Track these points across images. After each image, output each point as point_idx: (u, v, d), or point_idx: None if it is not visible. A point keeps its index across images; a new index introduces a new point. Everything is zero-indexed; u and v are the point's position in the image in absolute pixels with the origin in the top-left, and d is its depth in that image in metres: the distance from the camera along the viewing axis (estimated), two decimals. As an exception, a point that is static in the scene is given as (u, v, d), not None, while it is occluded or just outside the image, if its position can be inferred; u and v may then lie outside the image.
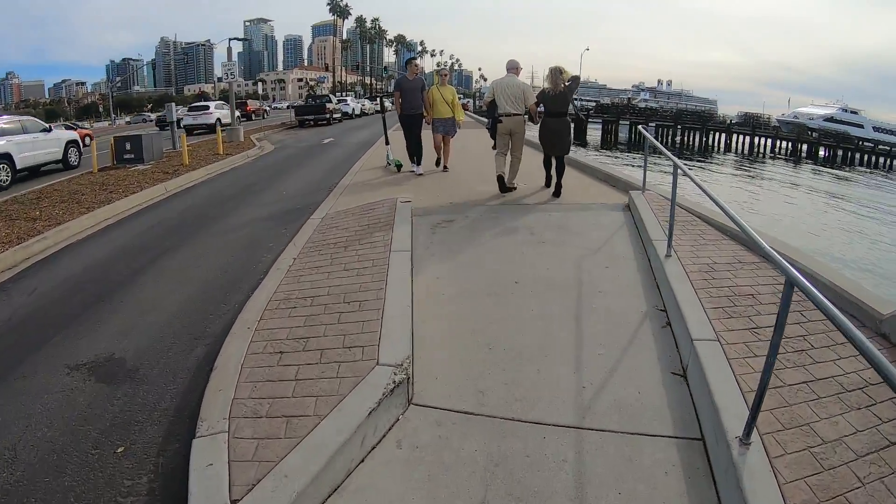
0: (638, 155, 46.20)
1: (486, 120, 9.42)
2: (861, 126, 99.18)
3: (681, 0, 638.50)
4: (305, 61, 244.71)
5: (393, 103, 11.93)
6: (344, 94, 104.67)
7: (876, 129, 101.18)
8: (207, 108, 35.28)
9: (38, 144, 15.96)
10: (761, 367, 3.27)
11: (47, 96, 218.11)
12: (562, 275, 5.85)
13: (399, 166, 11.81)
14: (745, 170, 46.08)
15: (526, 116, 9.15)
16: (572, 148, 9.86)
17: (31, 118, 17.76)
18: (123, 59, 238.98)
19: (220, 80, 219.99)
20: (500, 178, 9.14)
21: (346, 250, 6.45)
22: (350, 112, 45.46)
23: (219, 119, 31.05)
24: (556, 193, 9.02)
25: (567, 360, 4.40)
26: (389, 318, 4.64)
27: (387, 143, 13.10)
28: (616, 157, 43.92)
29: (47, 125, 17.18)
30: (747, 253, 6.15)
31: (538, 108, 9.06)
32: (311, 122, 35.46)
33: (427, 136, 11.51)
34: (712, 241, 6.49)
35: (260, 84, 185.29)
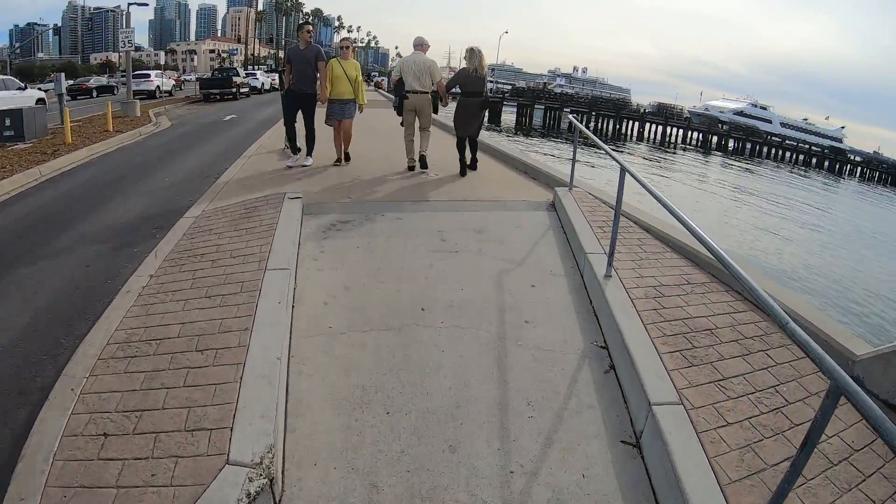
0: (555, 141, 46.21)
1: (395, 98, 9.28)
2: (769, 121, 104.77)
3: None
4: (219, 32, 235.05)
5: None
6: (255, 67, 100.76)
7: (783, 125, 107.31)
8: (148, 75, 38.52)
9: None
10: (738, 443, 2.90)
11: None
12: (479, 296, 4.86)
13: (298, 150, 10.34)
14: (657, 159, 46.62)
15: (432, 96, 9.12)
16: (488, 132, 9.23)
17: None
18: (28, 24, 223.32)
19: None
20: (409, 161, 9.42)
21: (214, 266, 5.07)
22: (259, 87, 43.54)
23: (158, 87, 36.89)
24: (473, 167, 9.51)
25: (489, 430, 3.43)
26: (252, 377, 3.41)
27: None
28: (532, 142, 43.35)
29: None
30: (695, 270, 5.41)
31: (454, 89, 9.07)
32: (217, 97, 33.75)
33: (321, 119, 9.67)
34: (654, 255, 5.68)
35: (169, 55, 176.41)
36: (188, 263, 5.23)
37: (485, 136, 10.49)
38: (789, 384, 3.81)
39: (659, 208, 4.19)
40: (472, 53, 8.63)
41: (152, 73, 39.87)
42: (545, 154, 32.46)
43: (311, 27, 9.15)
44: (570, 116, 9.21)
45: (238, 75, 37.32)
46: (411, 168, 9.35)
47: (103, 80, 48.30)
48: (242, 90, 36.32)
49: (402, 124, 9.34)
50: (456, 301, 4.74)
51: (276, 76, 57.65)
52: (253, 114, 23.58)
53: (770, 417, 3.42)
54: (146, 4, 26.55)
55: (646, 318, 4.25)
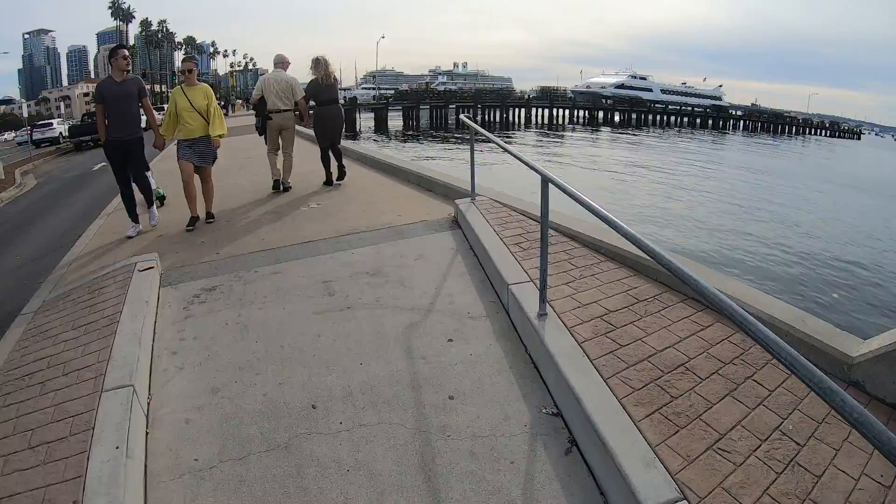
0: (448, 143, 45.44)
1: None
2: (650, 90, 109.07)
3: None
4: (92, 73, 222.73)
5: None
6: None
7: (664, 91, 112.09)
8: (51, 123, 42.11)
9: None
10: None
11: None
12: (385, 372, 3.73)
13: (162, 199, 8.88)
14: (549, 143, 46.83)
15: (296, 113, 9.02)
16: (375, 142, 8.28)
17: None
18: None
19: (1, 102, 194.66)
20: (276, 183, 9.15)
21: (42, 393, 3.51)
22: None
23: (61, 133, 39.23)
24: (341, 177, 9.36)
25: None
26: None
27: (147, 168, 10.17)
28: (422, 148, 42.53)
29: None
30: (640, 280, 4.60)
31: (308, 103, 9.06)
32: (90, 144, 31.53)
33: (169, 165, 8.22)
34: (588, 268, 4.79)
35: (42, 104, 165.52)
36: (13, 392, 3.66)
37: (372, 148, 9.43)
38: (793, 417, 3.06)
39: (579, 208, 3.25)
40: (318, 62, 8.73)
41: (54, 121, 43.82)
42: (439, 158, 31.65)
43: (126, 51, 6.78)
44: (464, 117, 8.20)
45: None
46: (276, 183, 9.13)
47: None
48: None
49: (265, 141, 9.11)
50: (356, 385, 3.60)
51: (155, 113, 54.74)
52: None
53: (790, 479, 2.61)
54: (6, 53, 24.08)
55: (604, 369, 3.29)
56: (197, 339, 4.23)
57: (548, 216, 3.71)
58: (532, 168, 3.98)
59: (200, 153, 7.13)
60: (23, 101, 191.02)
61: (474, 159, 6.79)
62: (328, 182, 9.27)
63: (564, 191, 3.36)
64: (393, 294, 4.78)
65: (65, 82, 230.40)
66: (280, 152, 9.08)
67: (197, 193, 7.21)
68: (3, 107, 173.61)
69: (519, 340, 4.03)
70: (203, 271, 5.46)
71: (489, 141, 6.12)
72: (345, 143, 13.81)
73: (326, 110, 8.94)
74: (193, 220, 7.16)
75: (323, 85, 8.78)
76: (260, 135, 9.09)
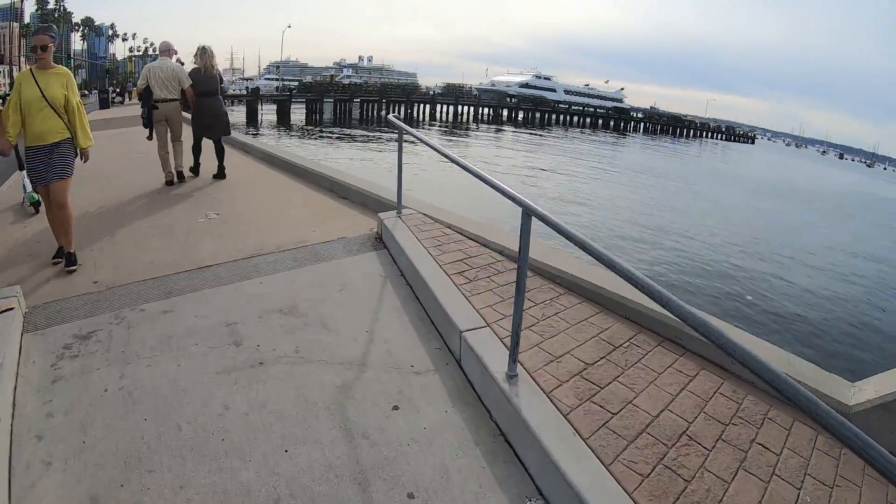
0: (350, 135, 44.20)
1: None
2: (554, 90, 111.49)
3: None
4: None
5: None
6: None
7: (567, 91, 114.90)
8: None
9: None
10: None
11: None
12: (319, 463, 2.84)
13: (37, 204, 7.61)
14: (452, 142, 46.31)
15: (180, 102, 8.68)
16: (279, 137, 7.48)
17: None
18: None
19: None
20: (167, 175, 8.70)
21: None
22: None
23: None
24: (220, 175, 9.05)
25: None
26: None
27: (20, 167, 8.86)
28: (322, 138, 41.21)
29: None
30: (609, 317, 4.04)
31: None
32: None
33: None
34: (548, 304, 4.16)
35: None
36: None
37: (283, 143, 8.60)
38: (806, 485, 2.68)
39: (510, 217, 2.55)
40: (203, 52, 8.65)
41: None
42: (350, 158, 30.49)
43: None
44: (391, 117, 7.21)
45: None
46: (169, 183, 8.69)
47: None
48: None
49: (148, 138, 8.74)
50: (283, 485, 2.68)
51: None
52: None
53: None
54: None
55: (603, 451, 2.62)
56: (69, 416, 3.13)
57: (527, 257, 2.92)
58: (508, 196, 3.14)
59: (55, 164, 5.08)
60: None
61: (402, 166, 5.96)
62: (195, 173, 9.16)
63: (555, 227, 2.63)
64: (315, 340, 3.89)
65: None
66: (169, 146, 8.75)
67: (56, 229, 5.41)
68: None
69: (480, 403, 3.29)
70: (77, 308, 4.32)
71: (448, 157, 4.82)
72: (245, 139, 12.84)
73: (204, 102, 8.68)
74: (60, 251, 5.35)
75: (203, 75, 8.59)
76: (145, 127, 8.62)
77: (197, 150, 9.14)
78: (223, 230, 6.17)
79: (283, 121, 57.90)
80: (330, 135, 43.31)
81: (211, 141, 8.99)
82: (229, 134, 9.25)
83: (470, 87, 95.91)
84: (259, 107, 59.23)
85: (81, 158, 5.30)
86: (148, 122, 8.54)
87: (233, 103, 67.37)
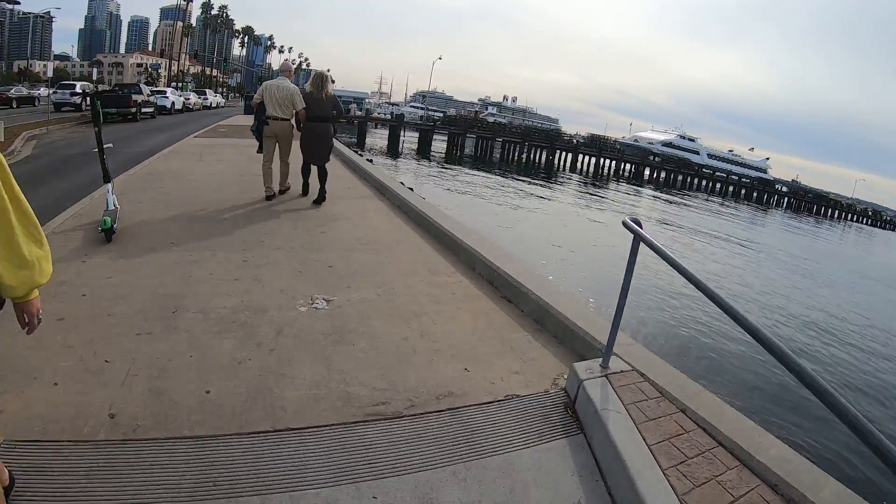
0: (487, 174, 42.32)
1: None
2: (697, 153, 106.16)
3: (529, 19, 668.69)
4: (150, 46, 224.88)
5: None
6: (178, 84, 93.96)
7: (710, 156, 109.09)
8: (74, 86, 36.55)
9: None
10: None
11: None
12: None
13: (108, 232, 6.12)
14: (592, 194, 43.47)
15: (293, 122, 8.94)
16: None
17: None
18: None
19: (57, 57, 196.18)
20: (267, 190, 9.02)
21: None
22: (168, 106, 39.12)
23: (174, 103, 40.24)
24: (319, 201, 9.10)
25: None
26: None
27: (106, 179, 7.48)
28: (464, 176, 39.52)
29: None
30: None
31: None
32: (115, 116, 29.06)
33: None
34: None
35: (95, 66, 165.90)
36: None
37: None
38: None
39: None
40: (317, 77, 8.88)
41: (78, 84, 38.02)
42: (497, 204, 28.30)
43: None
44: (628, 220, 4.48)
45: (140, 92, 32.30)
46: (269, 197, 9.01)
47: (23, 90, 43.04)
48: (145, 110, 32.01)
49: (258, 151, 9.19)
50: None
51: (192, 94, 52.06)
52: (136, 143, 19.47)
53: None
54: (52, 18, 22.03)
55: None
56: None
57: None
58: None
59: None
60: (77, 60, 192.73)
61: (624, 303, 3.73)
62: (304, 193, 9.50)
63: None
64: None
65: (122, 50, 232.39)
66: (274, 162, 9.10)
67: None
68: (57, 62, 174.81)
69: None
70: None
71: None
72: (384, 179, 11.26)
73: (314, 126, 8.86)
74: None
75: (316, 99, 8.74)
76: (257, 139, 9.14)
77: (306, 171, 9.42)
78: (330, 342, 4.14)
79: (424, 150, 57.33)
80: (472, 173, 41.67)
81: (317, 167, 9.20)
82: (327, 161, 9.30)
83: (614, 141, 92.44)
84: (402, 133, 59.00)
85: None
86: (258, 135, 8.98)
87: (376, 126, 67.80)
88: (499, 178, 41.21)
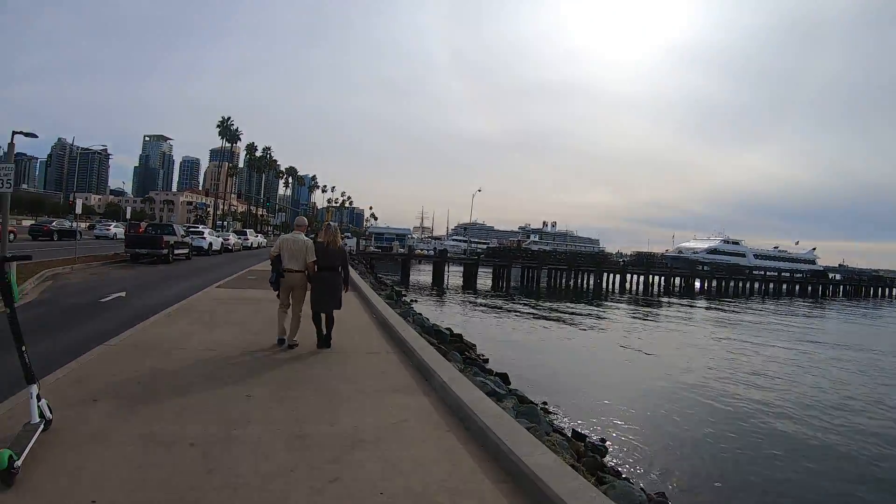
0: (535, 307, 38.77)
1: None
2: (743, 255, 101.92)
3: (560, 144, 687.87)
4: (200, 185, 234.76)
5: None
6: (223, 223, 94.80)
7: (757, 255, 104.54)
8: (202, 232, 38.65)
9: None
10: None
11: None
12: None
13: (4, 472, 3.87)
14: (650, 317, 39.23)
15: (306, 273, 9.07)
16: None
17: None
18: (17, 154, 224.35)
19: (112, 192, 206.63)
20: (281, 340, 9.06)
21: None
22: (206, 247, 36.60)
23: (211, 244, 37.80)
24: (327, 345, 9.08)
25: None
26: None
27: (29, 379, 4.71)
28: (516, 312, 36.12)
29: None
30: None
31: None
32: (147, 257, 27.47)
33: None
34: None
35: (147, 203, 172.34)
36: None
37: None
38: None
39: None
40: (328, 228, 9.24)
41: (112, 223, 41.66)
42: (561, 339, 24.84)
43: None
44: None
45: (173, 233, 29.82)
46: (281, 341, 9.07)
47: (66, 223, 42.17)
48: (178, 251, 29.56)
49: (278, 296, 9.34)
50: None
51: (232, 235, 50.45)
52: (153, 292, 17.39)
53: None
54: (109, 155, 21.01)
55: None
56: None
57: None
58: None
59: None
60: (131, 195, 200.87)
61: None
62: (319, 343, 9.14)
63: None
64: None
65: (174, 188, 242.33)
66: (289, 309, 9.18)
67: None
68: (111, 197, 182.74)
69: None
70: None
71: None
72: (431, 361, 7.97)
73: (323, 275, 8.97)
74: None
75: (327, 249, 8.96)
76: (274, 289, 9.34)
77: (317, 320, 9.19)
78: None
79: (470, 285, 54.53)
80: (522, 308, 38.23)
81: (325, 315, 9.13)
82: (339, 308, 9.25)
83: (661, 256, 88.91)
84: (446, 269, 56.47)
85: None
86: (275, 285, 9.22)
87: (420, 262, 65.65)
88: (553, 310, 37.65)
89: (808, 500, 9.87)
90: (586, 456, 8.70)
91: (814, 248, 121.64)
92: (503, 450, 4.77)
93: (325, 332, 9.11)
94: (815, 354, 26.21)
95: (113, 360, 7.68)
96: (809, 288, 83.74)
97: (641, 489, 7.96)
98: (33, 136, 20.48)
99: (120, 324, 11.07)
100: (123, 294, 16.30)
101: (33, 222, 47.54)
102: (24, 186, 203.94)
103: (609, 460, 10.04)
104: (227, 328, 10.50)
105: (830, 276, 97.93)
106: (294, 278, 8.94)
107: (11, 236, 31.94)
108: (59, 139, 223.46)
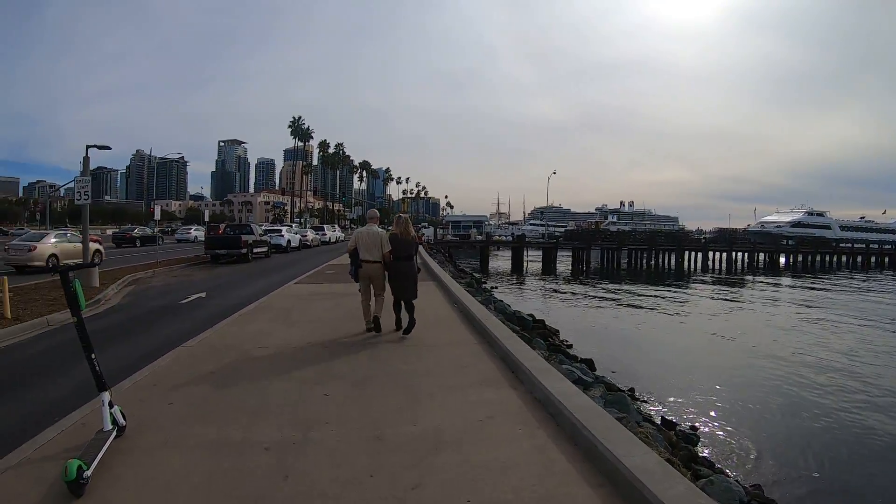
0: (616, 290, 37.67)
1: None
2: (829, 227, 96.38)
3: (632, 122, 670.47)
4: (276, 185, 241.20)
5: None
6: (300, 219, 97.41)
7: (842, 227, 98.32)
8: (280, 230, 40.10)
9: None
10: None
11: (20, 194, 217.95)
12: None
13: (73, 483, 3.81)
14: (731, 294, 37.36)
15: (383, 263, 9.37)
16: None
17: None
18: (98, 167, 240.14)
19: (192, 197, 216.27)
20: (367, 323, 9.53)
21: None
22: (284, 245, 37.43)
23: (289, 241, 38.22)
24: (408, 330, 9.31)
25: None
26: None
27: (100, 386, 4.77)
28: (592, 295, 35.22)
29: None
30: None
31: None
32: (225, 258, 28.34)
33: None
34: None
35: (226, 205, 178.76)
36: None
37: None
38: None
39: None
40: (398, 220, 9.78)
41: (193, 226, 43.29)
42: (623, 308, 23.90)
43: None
44: None
45: (251, 232, 30.87)
46: (369, 329, 9.50)
47: (148, 230, 44.34)
48: (257, 250, 30.49)
49: (359, 290, 9.74)
50: None
51: (310, 231, 51.09)
52: (233, 290, 17.97)
53: None
54: (109, 148, 21.37)
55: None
56: None
57: None
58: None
59: None
60: (209, 199, 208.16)
61: None
62: (397, 328, 9.48)
63: None
64: None
65: (251, 189, 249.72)
66: (372, 297, 9.63)
67: None
68: (191, 202, 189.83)
69: None
70: None
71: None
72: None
73: (399, 265, 9.31)
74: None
75: (400, 240, 9.33)
76: (355, 280, 9.66)
77: (397, 308, 9.59)
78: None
79: (549, 269, 53.63)
80: (603, 293, 37.17)
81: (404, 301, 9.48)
82: (415, 297, 9.52)
83: (742, 231, 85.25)
84: (524, 254, 55.78)
85: None
86: (355, 276, 9.52)
87: (498, 248, 65.09)
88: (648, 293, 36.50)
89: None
90: (679, 447, 8.20)
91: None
92: (600, 450, 4.37)
93: (409, 316, 9.37)
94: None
95: (189, 361, 7.69)
96: (902, 259, 78.11)
97: (737, 482, 7.40)
98: (107, 148, 21.56)
99: (199, 324, 11.26)
100: (204, 295, 16.70)
101: (116, 230, 49.80)
102: (108, 198, 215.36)
103: (700, 450, 9.48)
104: (304, 325, 10.46)
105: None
106: (371, 268, 9.31)
107: (97, 244, 34.45)
108: (137, 150, 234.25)
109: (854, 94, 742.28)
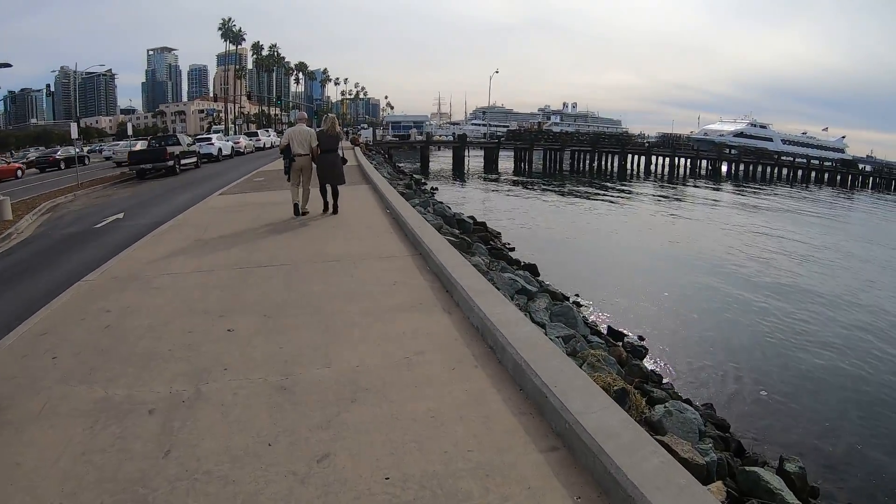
0: (558, 191, 37.35)
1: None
2: (771, 140, 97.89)
3: (577, 24, 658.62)
4: (210, 92, 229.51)
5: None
6: (236, 125, 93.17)
7: (784, 141, 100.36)
8: (209, 138, 39.59)
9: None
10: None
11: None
12: None
13: None
14: (675, 197, 37.70)
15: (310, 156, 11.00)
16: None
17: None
18: (22, 89, 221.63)
19: (123, 112, 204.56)
20: (296, 206, 11.13)
21: None
22: (215, 153, 35.36)
23: (220, 149, 36.33)
24: (335, 212, 11.31)
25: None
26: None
27: None
28: (533, 196, 34.85)
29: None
30: None
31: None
32: (152, 173, 26.57)
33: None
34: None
35: (159, 116, 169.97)
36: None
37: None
38: None
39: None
40: (326, 118, 11.59)
41: (214, 136, 42.54)
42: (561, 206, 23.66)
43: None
44: None
45: (177, 143, 29.07)
46: (296, 215, 11.11)
47: (72, 150, 40.90)
48: (185, 161, 28.66)
49: (288, 180, 11.30)
50: None
51: (242, 137, 48.47)
52: (152, 208, 16.69)
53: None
54: (114, 75, 19.86)
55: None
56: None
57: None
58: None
59: None
60: (141, 112, 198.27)
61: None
62: (325, 210, 11.40)
63: None
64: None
65: (184, 98, 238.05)
66: (300, 186, 11.20)
67: None
68: (121, 116, 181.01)
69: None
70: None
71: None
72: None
73: (325, 156, 10.98)
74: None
75: (327, 136, 11.07)
76: (286, 176, 11.30)
77: (323, 191, 11.39)
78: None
79: (491, 169, 53.05)
80: (545, 194, 36.82)
81: (330, 186, 11.24)
82: (342, 183, 11.32)
83: (686, 138, 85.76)
84: (466, 154, 54.74)
85: None
86: (287, 171, 11.16)
87: (439, 148, 63.78)
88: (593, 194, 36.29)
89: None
90: (630, 364, 7.77)
91: (843, 137, 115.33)
92: (551, 402, 3.58)
93: (332, 201, 11.31)
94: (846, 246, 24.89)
95: (87, 300, 6.61)
96: (839, 177, 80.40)
97: (689, 403, 6.96)
98: (7, 65, 19.57)
99: (109, 251, 10.10)
100: (122, 216, 15.61)
101: (38, 154, 46.19)
102: (34, 121, 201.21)
103: (648, 363, 9.34)
104: (217, 243, 9.37)
105: (860, 166, 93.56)
106: (302, 161, 10.98)
107: (19, 173, 32.01)
108: (62, 67, 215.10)
109: (804, 11, 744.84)
